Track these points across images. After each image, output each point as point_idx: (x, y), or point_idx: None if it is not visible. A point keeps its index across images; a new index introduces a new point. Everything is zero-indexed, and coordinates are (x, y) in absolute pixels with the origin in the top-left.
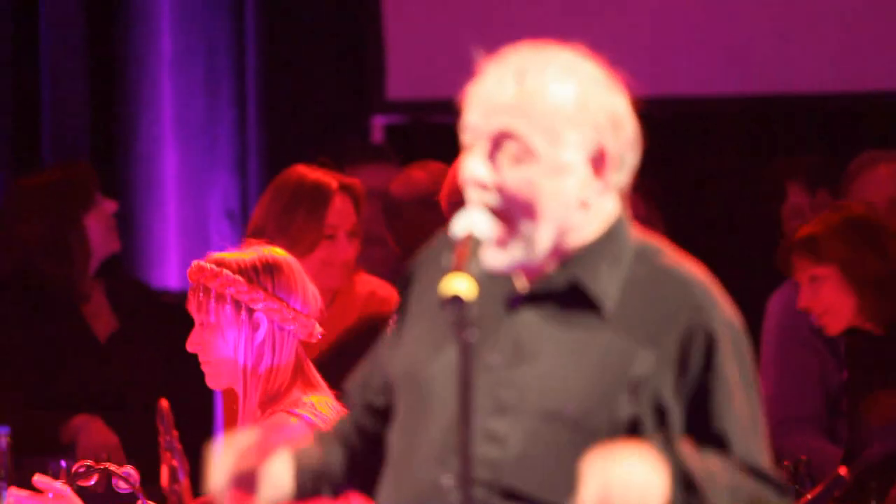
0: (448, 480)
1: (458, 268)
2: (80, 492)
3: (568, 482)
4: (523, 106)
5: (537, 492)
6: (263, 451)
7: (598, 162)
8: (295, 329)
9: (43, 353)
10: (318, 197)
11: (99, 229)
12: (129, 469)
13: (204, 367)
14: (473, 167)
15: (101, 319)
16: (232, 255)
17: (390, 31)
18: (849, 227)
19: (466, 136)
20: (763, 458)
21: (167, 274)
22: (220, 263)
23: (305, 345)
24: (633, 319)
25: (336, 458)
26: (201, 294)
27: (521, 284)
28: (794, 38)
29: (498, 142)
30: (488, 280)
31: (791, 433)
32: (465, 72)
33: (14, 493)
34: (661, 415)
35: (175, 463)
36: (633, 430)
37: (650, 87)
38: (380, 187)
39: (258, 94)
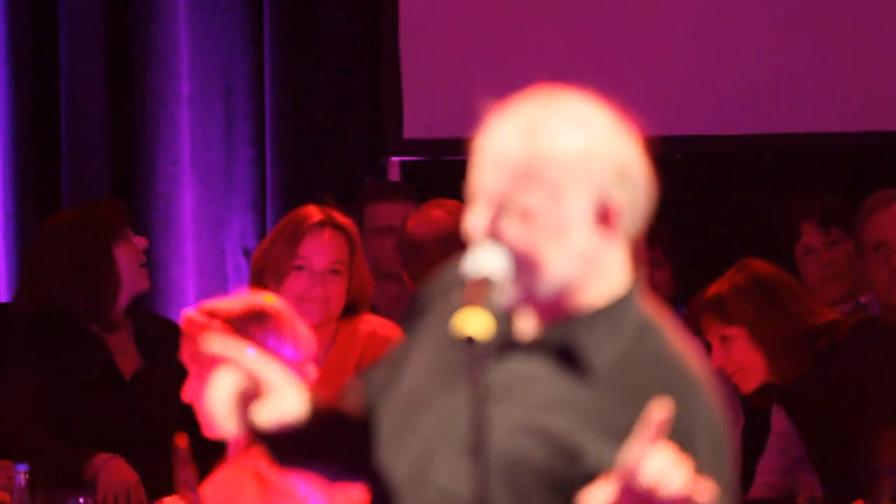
0: None
1: (472, 306)
2: None
3: None
4: (528, 167)
5: None
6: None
7: (604, 216)
8: None
9: (67, 388)
10: (295, 228)
11: (129, 263)
12: None
13: (200, 417)
14: (477, 222)
15: (127, 356)
16: (223, 304)
17: (406, 71)
18: (754, 286)
19: (474, 190)
20: None
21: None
22: (210, 314)
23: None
24: (621, 395)
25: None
26: (193, 344)
27: (526, 330)
28: (807, 77)
29: (501, 204)
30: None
31: (804, 469)
32: (479, 111)
33: None
34: None
35: (192, 499)
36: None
37: (662, 128)
38: (396, 224)
39: (276, 133)
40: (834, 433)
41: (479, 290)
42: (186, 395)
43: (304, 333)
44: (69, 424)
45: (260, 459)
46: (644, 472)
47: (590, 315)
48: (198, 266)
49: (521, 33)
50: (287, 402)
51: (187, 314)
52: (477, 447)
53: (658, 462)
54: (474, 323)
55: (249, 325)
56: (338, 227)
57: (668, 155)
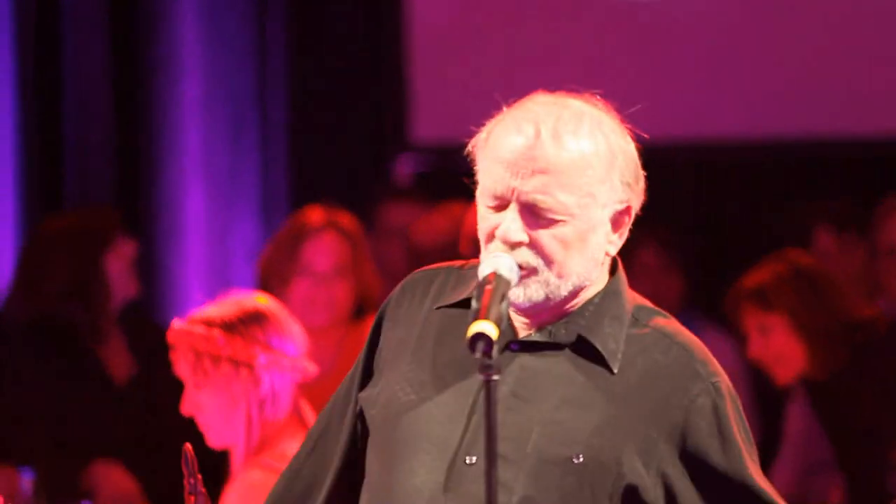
0: None
1: (485, 309)
2: None
3: None
4: (558, 167)
5: None
6: None
7: (620, 217)
8: (293, 376)
9: (61, 397)
10: (297, 232)
11: (119, 272)
12: None
13: (204, 428)
14: (508, 227)
15: (120, 362)
16: (214, 310)
17: (415, 75)
18: (795, 275)
19: (494, 189)
20: None
21: None
22: (208, 323)
23: (306, 387)
24: (636, 383)
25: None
26: (193, 357)
27: (522, 330)
28: (820, 82)
29: (530, 205)
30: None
31: (819, 476)
32: (489, 115)
33: None
34: (668, 487)
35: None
36: (635, 492)
37: (675, 134)
38: (404, 227)
39: (282, 137)
40: (863, 433)
41: (495, 294)
42: (185, 408)
43: (296, 328)
44: (65, 432)
45: (263, 469)
46: None
47: (591, 306)
48: (203, 270)
49: (528, 35)
50: None
51: (180, 327)
52: (489, 447)
53: None
54: (486, 324)
55: (250, 328)
56: (340, 229)
57: (677, 160)
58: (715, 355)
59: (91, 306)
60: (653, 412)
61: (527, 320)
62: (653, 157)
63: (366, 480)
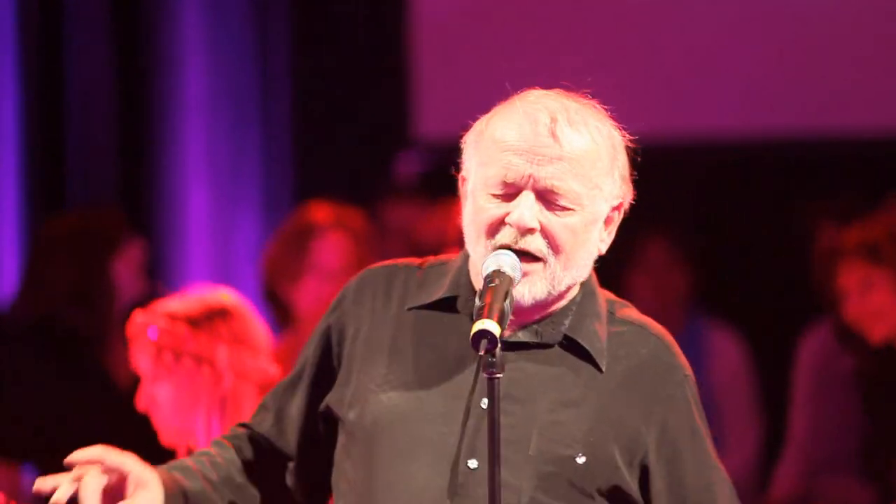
0: None
1: (489, 307)
2: None
3: None
4: (573, 155)
5: None
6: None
7: (612, 214)
8: (255, 375)
9: (62, 399)
10: (305, 231)
11: (128, 275)
12: None
13: (159, 424)
14: (523, 213)
15: (124, 365)
16: (179, 304)
17: (418, 73)
18: None
19: (504, 176)
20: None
21: None
22: (170, 317)
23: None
24: (623, 378)
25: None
26: (154, 350)
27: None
28: (827, 81)
29: (545, 191)
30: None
31: (823, 475)
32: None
33: None
34: (644, 477)
35: None
36: (624, 485)
37: (680, 132)
38: (407, 224)
39: (285, 136)
40: None
41: (499, 292)
42: (141, 403)
43: (262, 329)
44: (66, 434)
45: None
46: None
47: (574, 309)
48: (207, 267)
49: (531, 33)
50: (151, 494)
51: (142, 319)
52: (492, 446)
53: None
54: (494, 325)
55: (214, 323)
56: (349, 227)
57: (681, 158)
58: (720, 353)
59: (95, 310)
60: (640, 406)
61: (511, 317)
62: (657, 155)
63: (346, 483)
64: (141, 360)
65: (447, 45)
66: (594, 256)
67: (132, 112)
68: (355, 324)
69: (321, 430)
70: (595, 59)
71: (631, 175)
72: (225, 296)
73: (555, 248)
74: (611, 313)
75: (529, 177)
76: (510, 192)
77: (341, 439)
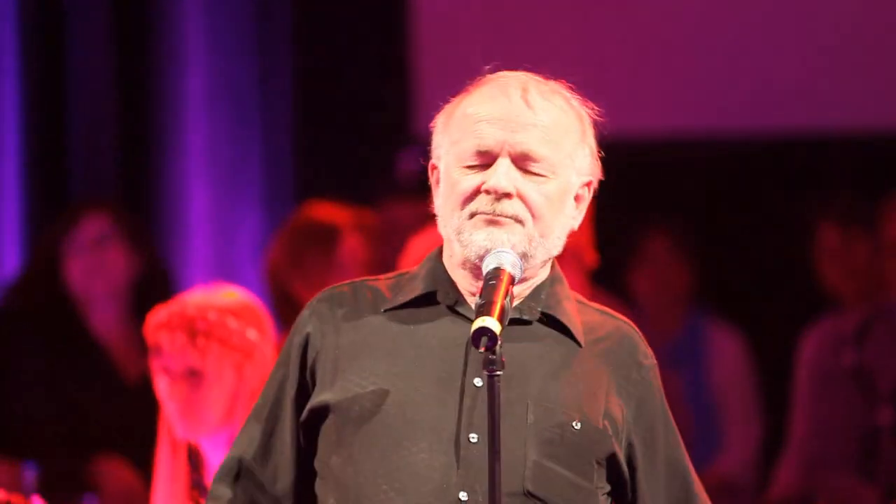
0: (467, 496)
1: (489, 304)
2: None
3: (577, 489)
4: (545, 122)
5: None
6: None
7: (583, 191)
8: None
9: (69, 393)
10: (328, 232)
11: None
12: None
13: (185, 419)
14: (499, 178)
15: (131, 359)
16: (190, 305)
17: (420, 69)
18: None
19: (479, 145)
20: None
21: None
22: (221, 312)
23: None
24: (601, 357)
25: None
26: (185, 339)
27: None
28: (826, 77)
29: (520, 157)
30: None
31: (824, 472)
32: None
33: None
34: (630, 452)
35: (203, 502)
36: (615, 458)
37: (683, 129)
38: (408, 224)
39: (286, 132)
40: None
41: (500, 290)
42: (172, 398)
43: (271, 323)
44: (71, 428)
45: None
46: None
47: (547, 291)
48: (209, 264)
49: (533, 30)
50: None
51: (154, 322)
52: (492, 433)
53: None
54: (494, 322)
55: (227, 321)
56: (365, 227)
57: (685, 154)
58: (720, 350)
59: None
60: (617, 383)
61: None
62: (659, 152)
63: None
64: (170, 350)
65: (448, 43)
66: (567, 231)
67: (134, 110)
68: (334, 331)
69: (302, 441)
70: (599, 56)
71: (598, 154)
72: (230, 293)
73: (532, 212)
74: (579, 301)
75: (504, 142)
76: (485, 163)
77: (327, 438)
